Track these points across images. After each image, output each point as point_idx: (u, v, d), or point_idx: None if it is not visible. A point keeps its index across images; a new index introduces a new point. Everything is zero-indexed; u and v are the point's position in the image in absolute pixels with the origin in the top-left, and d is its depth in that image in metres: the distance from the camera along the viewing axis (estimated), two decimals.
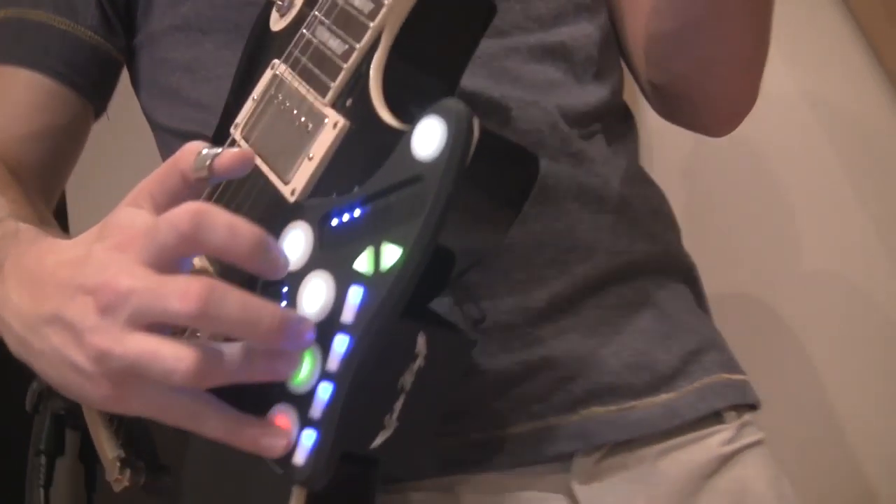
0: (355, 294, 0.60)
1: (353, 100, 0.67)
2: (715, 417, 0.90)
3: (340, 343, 0.60)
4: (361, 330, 0.59)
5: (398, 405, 0.63)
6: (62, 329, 0.62)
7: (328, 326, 0.61)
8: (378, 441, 0.63)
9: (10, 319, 0.68)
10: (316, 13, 0.71)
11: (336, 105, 0.68)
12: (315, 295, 0.62)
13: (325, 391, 0.60)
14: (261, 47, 0.78)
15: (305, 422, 0.60)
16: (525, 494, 0.84)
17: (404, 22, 0.67)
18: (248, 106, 0.75)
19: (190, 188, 0.66)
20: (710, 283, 0.99)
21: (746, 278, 1.37)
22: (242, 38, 0.81)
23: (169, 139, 0.96)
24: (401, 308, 0.60)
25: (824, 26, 1.27)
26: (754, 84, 0.93)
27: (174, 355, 0.57)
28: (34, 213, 0.86)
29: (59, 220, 1.07)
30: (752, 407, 0.95)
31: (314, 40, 0.70)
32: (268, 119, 0.72)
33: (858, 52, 1.27)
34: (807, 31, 1.02)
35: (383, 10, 0.66)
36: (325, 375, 0.60)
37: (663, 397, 0.87)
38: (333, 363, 0.60)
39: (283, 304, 0.64)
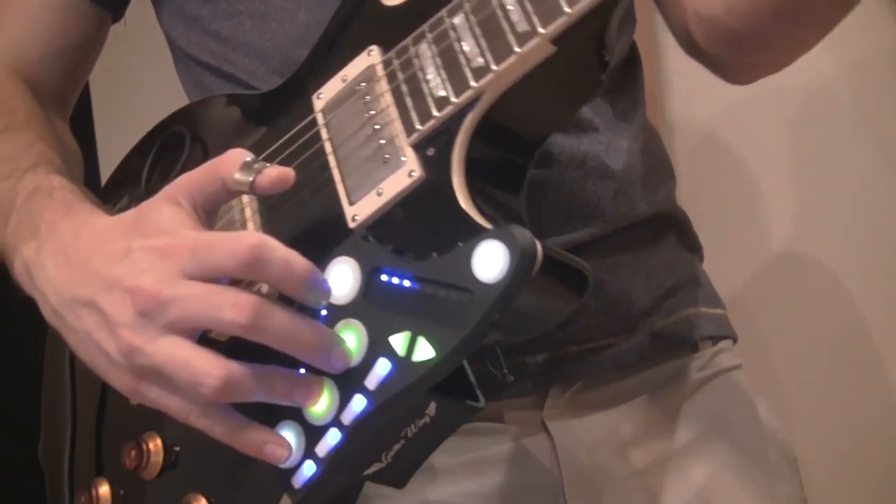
0: (383, 366, 0.64)
1: (435, 151, 0.67)
2: (690, 348, 0.96)
3: (358, 403, 0.65)
4: (379, 402, 0.64)
5: (396, 447, 0.69)
6: (96, 315, 0.66)
7: (352, 378, 0.65)
8: (370, 471, 0.69)
9: (46, 290, 0.71)
10: (427, 33, 0.69)
11: (418, 148, 0.68)
12: (349, 342, 0.66)
13: (333, 437, 0.66)
14: (361, 16, 0.76)
15: (310, 453, 0.67)
16: (500, 431, 0.90)
17: (506, 90, 0.66)
18: (335, 84, 0.74)
19: (229, 195, 0.69)
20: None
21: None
22: None
23: (186, 61, 0.95)
24: (420, 396, 0.64)
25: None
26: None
27: (204, 369, 0.62)
28: (59, 149, 0.87)
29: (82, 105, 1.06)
30: (731, 340, 1.00)
31: (416, 64, 0.69)
32: (350, 115, 0.72)
33: None
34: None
35: (490, 77, 0.65)
36: (338, 423, 0.66)
37: (639, 335, 0.92)
38: (347, 418, 0.65)
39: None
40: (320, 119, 0.74)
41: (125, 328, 0.64)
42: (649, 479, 0.90)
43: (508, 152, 0.69)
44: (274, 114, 0.80)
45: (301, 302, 0.66)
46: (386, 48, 0.72)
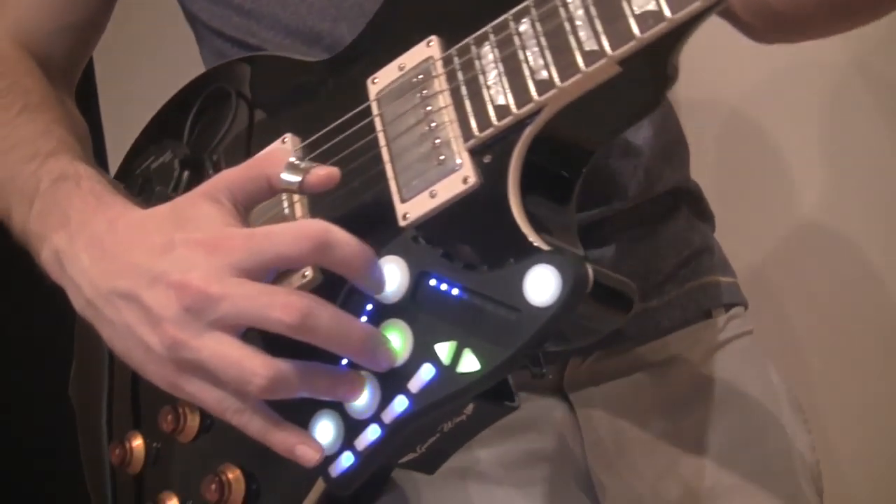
0: (427, 371, 0.66)
1: (491, 159, 0.67)
2: (704, 315, 0.98)
3: (400, 403, 0.67)
4: (420, 406, 0.66)
5: (431, 440, 0.71)
6: (137, 309, 0.67)
7: (395, 378, 0.67)
8: (403, 460, 0.72)
9: (80, 281, 0.71)
10: (490, 35, 0.68)
11: (473, 154, 0.68)
12: (394, 342, 0.68)
13: (373, 433, 0.68)
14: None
15: (349, 445, 0.69)
16: (522, 399, 0.93)
17: (567, 105, 0.66)
18: (391, 71, 0.73)
19: (272, 193, 0.70)
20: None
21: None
22: None
23: (209, 35, 0.93)
24: (460, 404, 0.66)
25: None
26: None
27: (252, 368, 0.64)
28: (74, 131, 0.86)
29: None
30: (743, 307, 1.02)
31: (477, 67, 0.68)
32: (405, 108, 0.72)
33: None
34: None
35: (553, 92, 0.65)
36: (378, 420, 0.67)
37: (654, 303, 0.94)
38: (388, 416, 0.67)
39: (364, 319, 0.70)
40: (375, 108, 0.73)
41: (170, 323, 0.65)
42: (668, 444, 0.92)
43: (562, 164, 0.69)
44: (324, 88, 0.80)
45: (359, 287, 0.68)
46: (446, 41, 0.71)
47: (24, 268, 0.78)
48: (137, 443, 0.83)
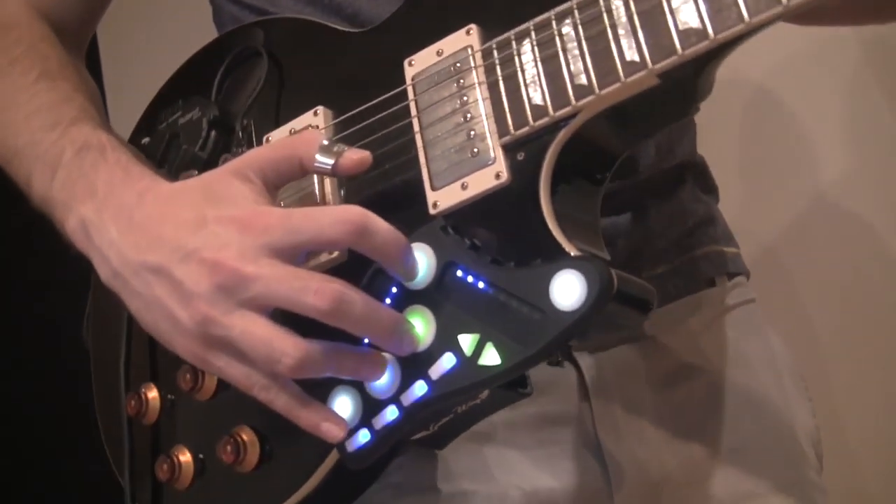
0: (448, 360, 0.68)
1: (525, 156, 0.69)
2: (707, 283, 1.01)
3: (419, 388, 0.69)
4: (439, 392, 0.68)
5: (444, 419, 0.74)
6: (168, 284, 0.68)
7: (416, 363, 0.69)
8: (416, 437, 0.74)
9: (109, 252, 0.72)
10: (532, 32, 0.69)
11: (507, 149, 0.69)
12: (417, 328, 0.70)
13: (391, 413, 0.70)
14: None
15: (366, 423, 0.71)
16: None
17: (602, 110, 0.67)
18: (429, 55, 0.74)
19: (303, 174, 0.71)
20: None
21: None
22: None
23: (227, 4, 0.92)
24: (477, 394, 0.69)
25: None
26: None
27: (282, 348, 0.66)
28: (92, 98, 0.86)
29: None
30: (745, 276, 1.05)
31: (516, 63, 0.69)
32: (442, 96, 0.72)
33: None
34: None
35: (591, 98, 0.66)
36: (397, 401, 0.70)
37: (660, 269, 0.96)
38: (407, 399, 0.69)
39: (388, 301, 0.71)
40: (410, 93, 0.74)
41: (201, 299, 0.66)
42: (674, 408, 0.94)
43: (592, 166, 0.71)
44: (359, 61, 0.80)
45: (390, 273, 0.70)
46: (486, 31, 0.72)
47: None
48: (153, 395, 0.85)
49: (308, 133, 0.71)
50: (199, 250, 0.67)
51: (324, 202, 0.76)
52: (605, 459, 0.92)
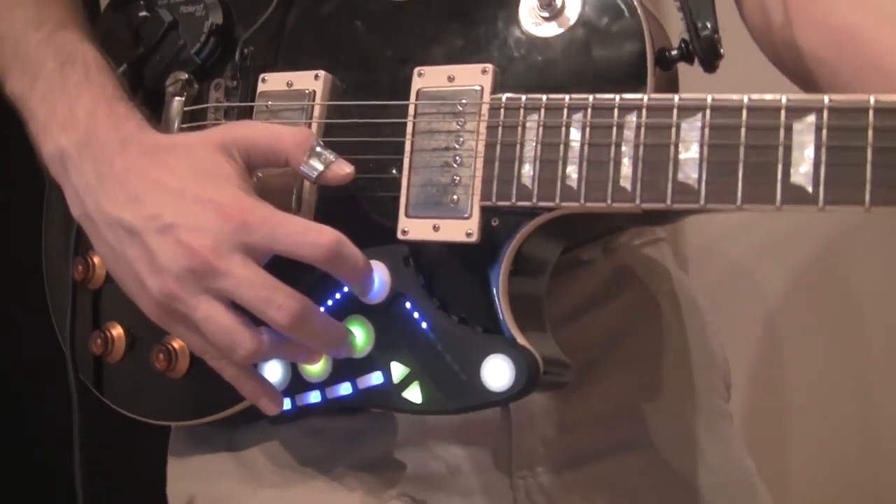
0: (377, 378, 0.75)
1: (499, 224, 0.72)
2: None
3: (344, 388, 0.77)
4: (360, 399, 0.77)
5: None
6: (140, 249, 0.71)
7: (350, 365, 0.76)
8: None
9: (84, 196, 0.74)
10: (543, 109, 0.70)
11: (485, 210, 0.72)
12: (357, 336, 0.75)
13: (314, 397, 0.79)
14: (497, 21, 0.74)
15: (290, 394, 0.78)
16: None
17: (579, 213, 0.70)
18: (439, 75, 0.74)
19: (284, 167, 0.74)
20: None
21: None
22: None
23: None
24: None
25: None
26: None
27: (240, 341, 0.71)
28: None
29: None
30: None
31: (518, 136, 0.70)
32: (440, 129, 0.73)
33: None
34: None
35: (574, 205, 0.69)
36: (322, 390, 0.78)
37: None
38: (331, 393, 0.78)
39: (330, 302, 0.77)
40: (411, 111, 0.75)
41: (171, 276, 0.70)
42: (594, 355, 0.93)
43: (550, 251, 0.75)
44: (374, 37, 0.79)
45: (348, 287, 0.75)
46: (501, 77, 0.73)
47: None
48: (118, 331, 0.88)
49: (301, 133, 0.72)
50: (177, 227, 0.70)
51: (300, 191, 0.78)
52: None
